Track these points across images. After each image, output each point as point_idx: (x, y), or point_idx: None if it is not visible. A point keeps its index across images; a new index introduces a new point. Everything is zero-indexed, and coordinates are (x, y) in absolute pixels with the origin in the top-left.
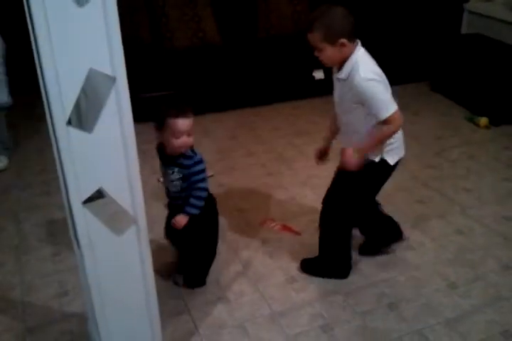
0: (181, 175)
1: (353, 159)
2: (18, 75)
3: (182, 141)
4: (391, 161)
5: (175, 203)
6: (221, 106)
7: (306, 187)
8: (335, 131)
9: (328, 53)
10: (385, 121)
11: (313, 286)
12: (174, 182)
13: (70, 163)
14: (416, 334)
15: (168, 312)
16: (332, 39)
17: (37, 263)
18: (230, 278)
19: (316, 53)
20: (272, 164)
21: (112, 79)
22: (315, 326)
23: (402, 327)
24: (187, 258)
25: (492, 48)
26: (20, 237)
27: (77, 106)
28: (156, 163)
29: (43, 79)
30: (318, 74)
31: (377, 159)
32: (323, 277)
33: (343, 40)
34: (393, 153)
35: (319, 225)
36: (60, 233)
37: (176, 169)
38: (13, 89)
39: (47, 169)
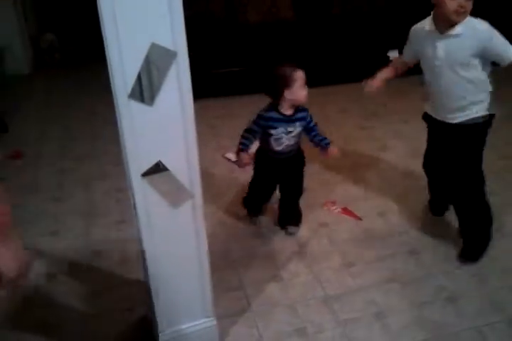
0: (302, 127)
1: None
2: None
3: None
4: (495, 111)
5: (286, 156)
6: None
7: (372, 171)
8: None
9: (471, 6)
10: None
11: (370, 272)
12: (294, 137)
13: (130, 135)
14: (474, 330)
15: (223, 287)
16: None
17: (103, 230)
18: (286, 257)
19: (466, 3)
20: (338, 145)
21: (173, 54)
22: (368, 313)
23: (461, 321)
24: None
25: None
26: (89, 204)
27: (139, 80)
28: (222, 138)
29: (107, 53)
30: (393, 54)
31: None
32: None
33: None
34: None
35: (457, 207)
36: (127, 201)
37: (298, 123)
38: None
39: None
